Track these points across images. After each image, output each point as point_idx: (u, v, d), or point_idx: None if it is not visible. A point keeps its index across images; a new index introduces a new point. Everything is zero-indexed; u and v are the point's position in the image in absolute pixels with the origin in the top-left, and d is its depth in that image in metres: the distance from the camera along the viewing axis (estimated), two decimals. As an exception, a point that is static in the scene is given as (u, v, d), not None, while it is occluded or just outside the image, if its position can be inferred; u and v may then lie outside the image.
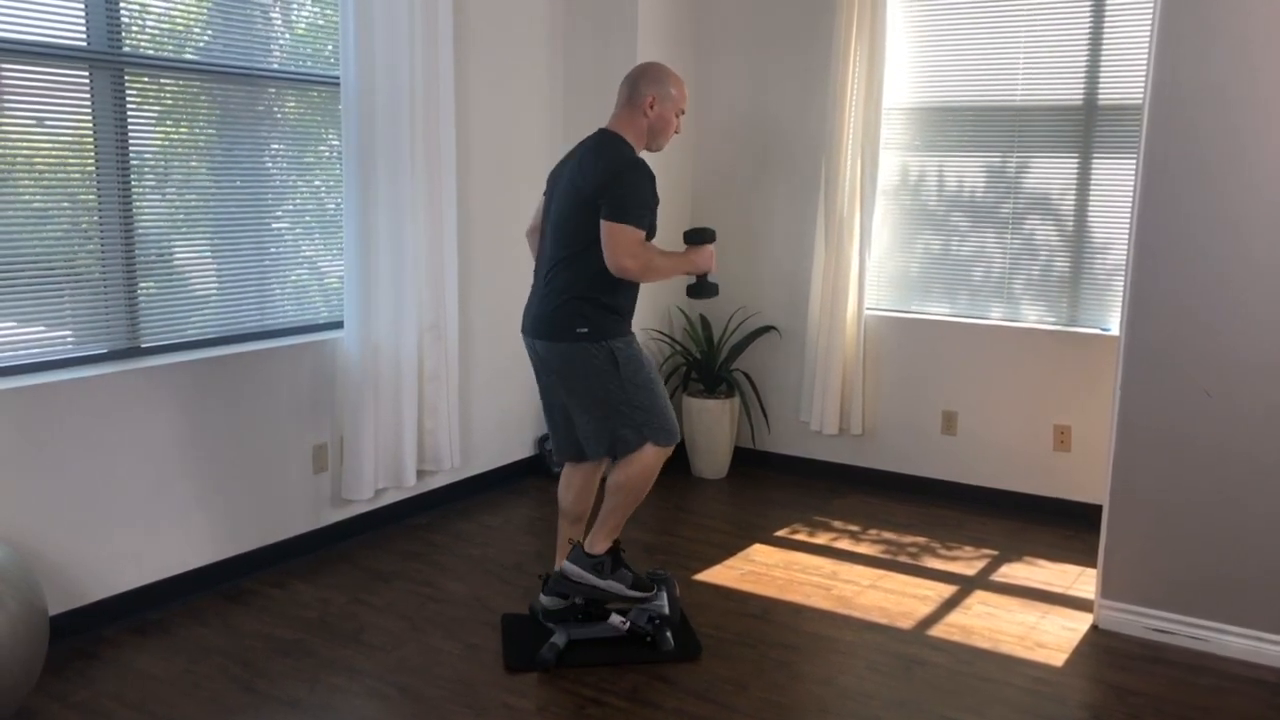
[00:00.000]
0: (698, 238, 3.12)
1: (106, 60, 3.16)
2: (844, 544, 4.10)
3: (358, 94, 3.67)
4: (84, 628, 3.19)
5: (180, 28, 3.37)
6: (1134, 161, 3.67)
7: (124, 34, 3.21)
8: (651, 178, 2.97)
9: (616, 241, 2.89)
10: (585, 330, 2.98)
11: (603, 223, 2.90)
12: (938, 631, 3.34)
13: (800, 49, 4.83)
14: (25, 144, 3.02)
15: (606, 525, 3.12)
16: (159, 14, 3.30)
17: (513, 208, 4.63)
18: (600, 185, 2.91)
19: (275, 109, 3.69)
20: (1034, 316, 4.49)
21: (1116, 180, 4.25)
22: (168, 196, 3.40)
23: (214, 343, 3.58)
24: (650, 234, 3.02)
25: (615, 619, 3.13)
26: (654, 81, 3.06)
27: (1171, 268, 3.16)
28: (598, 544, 3.12)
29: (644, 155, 3.13)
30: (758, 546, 4.06)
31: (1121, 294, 3.31)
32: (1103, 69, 4.21)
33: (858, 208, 4.63)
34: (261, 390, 3.63)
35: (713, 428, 4.86)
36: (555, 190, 3.10)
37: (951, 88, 4.53)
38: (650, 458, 3.08)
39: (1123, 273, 3.47)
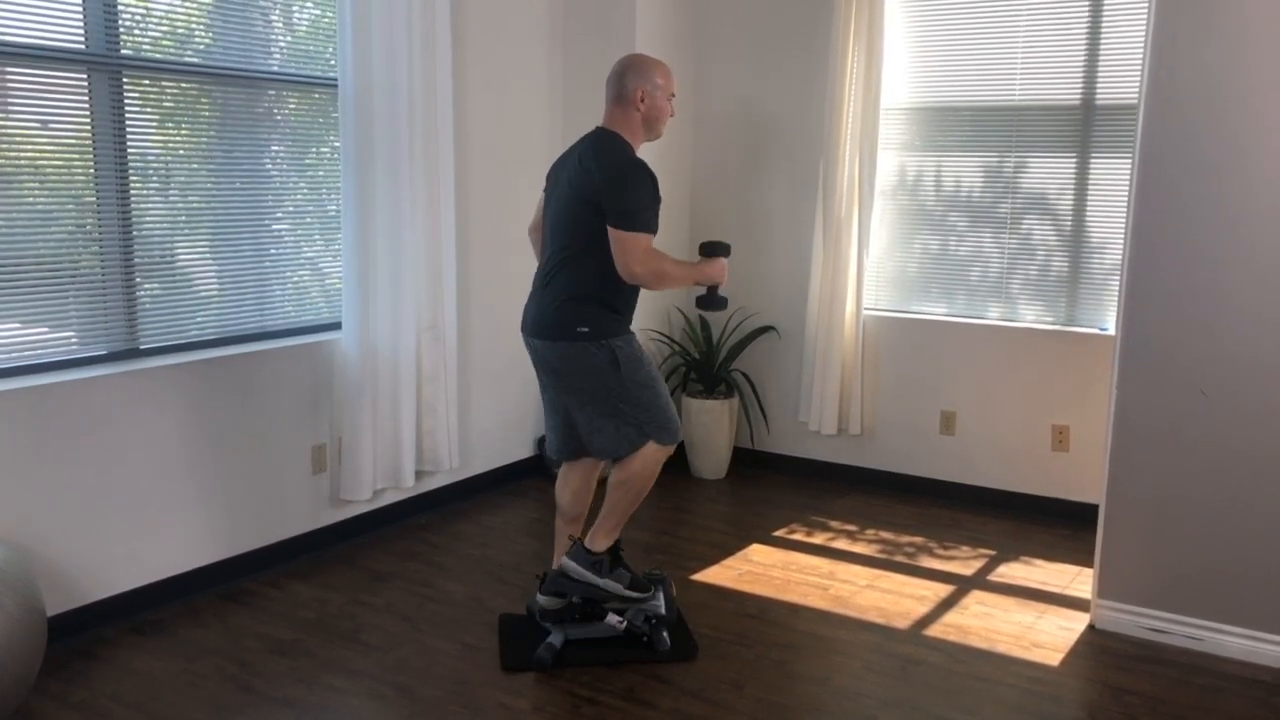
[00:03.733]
0: (712, 250, 3.13)
1: (105, 63, 3.17)
2: (842, 544, 4.11)
3: (355, 95, 3.68)
4: (82, 628, 3.20)
5: (180, 30, 3.38)
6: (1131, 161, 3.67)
7: (123, 36, 3.22)
8: (653, 177, 2.96)
9: (626, 249, 2.89)
10: (585, 330, 2.98)
11: (610, 230, 2.90)
12: (934, 631, 3.34)
13: (799, 49, 4.83)
14: (28, 146, 3.03)
15: (607, 523, 3.13)
16: (159, 17, 3.31)
17: (511, 208, 4.63)
18: (601, 188, 2.91)
19: (275, 111, 3.70)
20: (1032, 316, 4.49)
21: (1114, 180, 4.25)
22: (169, 198, 3.41)
23: (214, 344, 3.59)
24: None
25: (612, 619, 3.14)
26: (639, 74, 3.05)
27: (1168, 267, 3.16)
28: (598, 541, 3.12)
29: (645, 145, 3.13)
30: (756, 546, 4.06)
31: (1118, 293, 3.31)
32: (1100, 69, 4.22)
33: (856, 207, 4.63)
34: (261, 391, 3.64)
35: (711, 428, 4.86)
36: (554, 188, 3.10)
37: (949, 87, 4.53)
38: (651, 456, 3.08)
39: (1120, 272, 3.48)
